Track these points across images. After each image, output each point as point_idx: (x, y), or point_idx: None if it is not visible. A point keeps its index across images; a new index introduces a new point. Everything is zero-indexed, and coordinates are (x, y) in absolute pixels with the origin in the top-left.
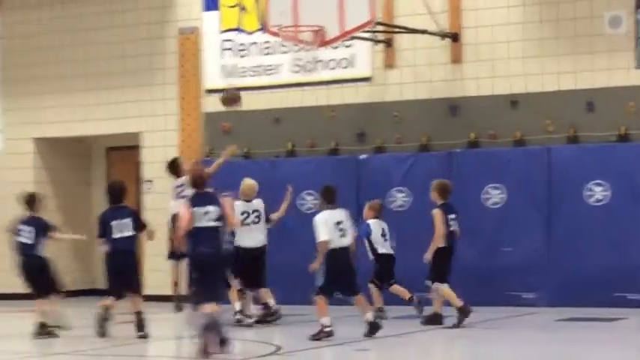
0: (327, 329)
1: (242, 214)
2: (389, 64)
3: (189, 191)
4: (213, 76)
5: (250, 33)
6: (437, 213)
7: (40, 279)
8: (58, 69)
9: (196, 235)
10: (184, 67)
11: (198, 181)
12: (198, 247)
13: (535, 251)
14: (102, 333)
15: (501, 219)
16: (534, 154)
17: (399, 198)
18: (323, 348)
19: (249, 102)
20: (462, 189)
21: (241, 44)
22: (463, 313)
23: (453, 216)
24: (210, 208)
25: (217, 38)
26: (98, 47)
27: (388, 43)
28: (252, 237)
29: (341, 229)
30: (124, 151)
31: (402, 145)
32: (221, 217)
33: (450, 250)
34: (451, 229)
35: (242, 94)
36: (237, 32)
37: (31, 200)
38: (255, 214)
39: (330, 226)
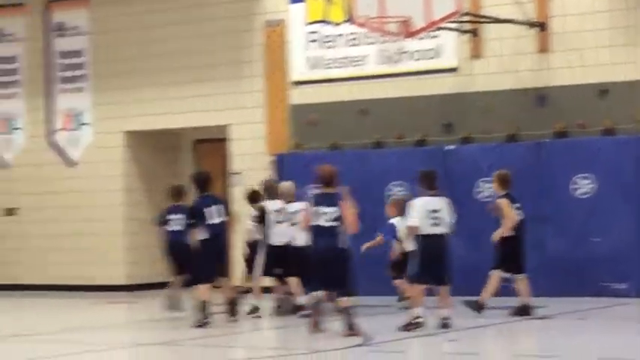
0: (418, 320)
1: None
2: (475, 54)
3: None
4: (299, 68)
5: (336, 24)
6: (504, 201)
7: (186, 264)
8: (147, 63)
9: (315, 232)
10: (271, 60)
11: (327, 179)
12: (316, 243)
13: (625, 241)
14: (202, 322)
15: (590, 209)
16: (624, 143)
17: (487, 188)
18: (412, 338)
19: (336, 93)
20: (551, 179)
21: (327, 36)
22: (478, 306)
23: (517, 205)
24: (329, 209)
25: (303, 30)
26: (185, 41)
27: (474, 33)
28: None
29: (435, 218)
30: (211, 144)
31: (489, 136)
32: (339, 218)
33: (518, 239)
34: (518, 218)
35: (328, 85)
36: (323, 24)
37: (178, 191)
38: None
39: (423, 213)
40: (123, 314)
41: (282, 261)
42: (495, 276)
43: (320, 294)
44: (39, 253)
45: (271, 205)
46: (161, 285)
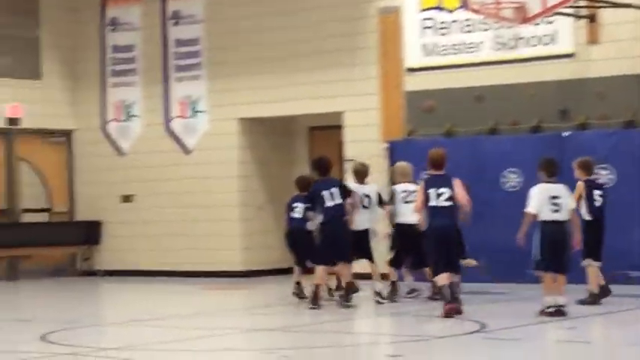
0: (550, 309)
1: None
2: (592, 39)
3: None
4: (414, 55)
5: (451, 11)
6: (580, 185)
7: (305, 251)
8: (261, 50)
9: (431, 212)
10: (385, 47)
11: (439, 162)
12: (432, 223)
13: None
14: (316, 306)
15: None
16: None
17: (603, 175)
18: (528, 326)
19: (451, 80)
20: None
21: (442, 22)
22: (592, 299)
23: (599, 192)
24: (445, 190)
25: (418, 17)
26: (300, 28)
27: (591, 19)
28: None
29: (555, 204)
30: (326, 131)
31: (606, 122)
32: (452, 198)
33: (597, 224)
34: (597, 204)
35: (443, 72)
36: (437, 10)
37: (306, 182)
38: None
39: (542, 199)
40: (238, 300)
41: (359, 246)
42: (589, 266)
43: (445, 280)
44: (155, 240)
45: (358, 189)
46: (276, 271)
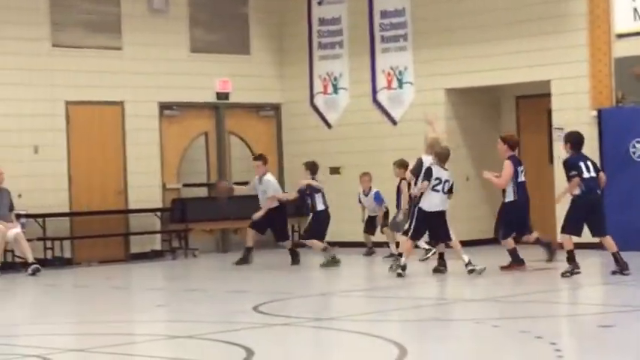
0: None
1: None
2: None
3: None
4: (623, 20)
5: None
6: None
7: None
8: (467, 19)
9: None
10: (594, 13)
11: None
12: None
13: None
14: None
15: None
16: None
17: None
18: None
19: None
20: None
21: None
22: None
23: None
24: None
25: None
26: None
27: None
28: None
29: None
30: (533, 99)
31: None
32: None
33: None
34: None
35: None
36: None
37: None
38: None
39: None
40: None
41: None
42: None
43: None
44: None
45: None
46: (480, 242)
